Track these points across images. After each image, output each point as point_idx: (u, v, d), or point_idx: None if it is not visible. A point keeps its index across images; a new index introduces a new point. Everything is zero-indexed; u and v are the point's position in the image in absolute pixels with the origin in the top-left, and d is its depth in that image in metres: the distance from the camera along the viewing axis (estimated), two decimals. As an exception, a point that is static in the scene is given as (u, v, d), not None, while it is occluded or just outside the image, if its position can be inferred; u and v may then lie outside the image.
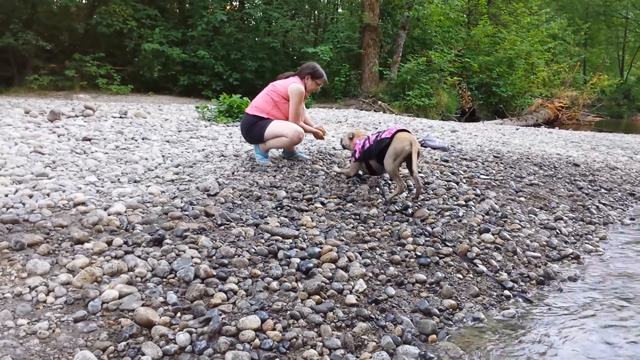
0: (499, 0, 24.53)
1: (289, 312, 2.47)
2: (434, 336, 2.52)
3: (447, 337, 2.55)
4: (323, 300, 2.64)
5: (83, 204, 3.52)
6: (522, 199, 4.92)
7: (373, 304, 2.72)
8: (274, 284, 2.71)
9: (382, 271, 3.07)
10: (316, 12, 25.99)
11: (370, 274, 3.01)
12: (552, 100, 21.19)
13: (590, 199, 5.34)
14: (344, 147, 5.21)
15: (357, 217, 3.90)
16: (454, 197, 4.58)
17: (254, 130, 5.12)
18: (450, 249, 3.43)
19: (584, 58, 32.70)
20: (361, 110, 16.22)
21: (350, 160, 4.92)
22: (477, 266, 3.30)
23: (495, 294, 3.04)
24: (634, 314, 2.84)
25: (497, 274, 3.26)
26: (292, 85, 5.03)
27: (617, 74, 38.43)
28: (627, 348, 2.48)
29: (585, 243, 4.08)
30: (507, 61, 19.74)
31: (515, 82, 19.90)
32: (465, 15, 22.64)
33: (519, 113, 19.92)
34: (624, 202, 5.53)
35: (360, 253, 3.24)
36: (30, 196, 3.57)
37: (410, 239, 3.51)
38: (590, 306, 2.97)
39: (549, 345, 2.51)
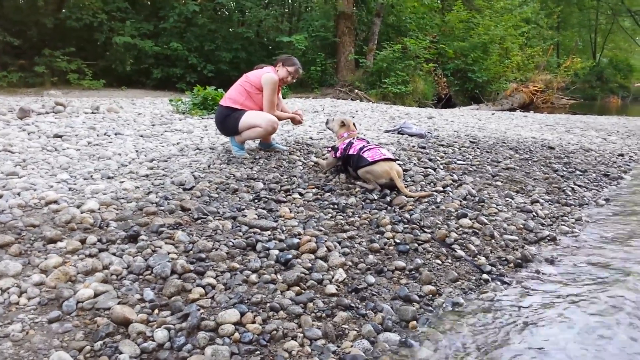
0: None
1: (268, 304, 2.45)
2: (414, 322, 2.52)
3: (427, 322, 2.56)
4: (303, 291, 2.62)
5: (55, 202, 3.44)
6: (499, 183, 4.96)
7: (353, 293, 2.71)
8: (253, 277, 2.69)
9: (362, 260, 3.07)
10: (290, 0, 25.78)
11: (350, 263, 3.00)
12: (527, 84, 21.46)
13: (566, 181, 5.41)
14: (329, 129, 5.11)
15: (336, 206, 3.89)
16: (432, 184, 4.60)
17: (228, 122, 5.07)
18: (429, 235, 3.45)
19: (557, 41, 33.09)
20: (338, 99, 16.20)
21: (329, 153, 4.85)
22: (456, 251, 3.32)
23: (474, 278, 3.06)
24: (609, 295, 2.88)
25: (476, 259, 3.29)
26: (265, 75, 4.98)
27: (590, 56, 39.00)
28: (602, 328, 2.52)
29: (562, 225, 4.14)
30: (481, 46, 19.88)
31: (490, 67, 20.07)
32: (439, 1, 22.70)
33: (495, 98, 20.13)
34: (599, 183, 5.62)
35: (339, 242, 3.23)
36: (0, 196, 3.47)
37: (389, 227, 3.51)
38: (567, 287, 3.01)
39: (527, 327, 2.53)
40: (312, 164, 4.89)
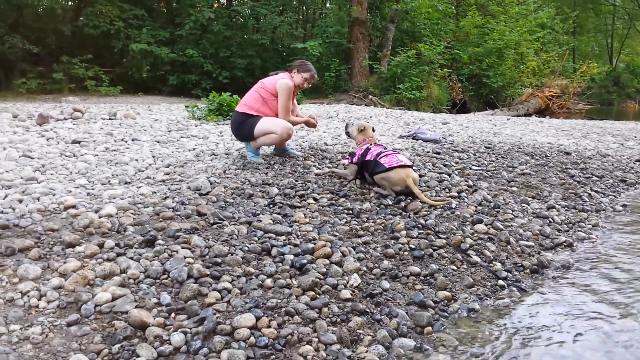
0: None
1: (283, 309, 2.46)
2: (430, 328, 2.51)
3: (442, 328, 2.55)
4: (318, 296, 2.63)
5: (74, 207, 3.50)
6: (515, 188, 4.93)
7: (368, 298, 2.71)
8: (268, 281, 2.70)
9: (377, 265, 3.07)
10: (304, 7, 25.91)
11: (365, 268, 3.00)
12: (543, 89, 21.29)
13: (582, 187, 5.36)
14: (348, 135, 4.99)
15: (350, 211, 3.89)
16: (447, 189, 4.58)
17: (243, 128, 5.11)
18: (444, 241, 3.44)
19: (572, 46, 32.79)
20: (352, 105, 16.22)
21: (346, 160, 4.83)
22: (471, 257, 3.30)
23: (489, 284, 3.05)
24: (627, 301, 2.85)
25: (491, 264, 3.27)
26: (280, 81, 5.02)
27: (607, 61, 38.61)
28: (621, 335, 2.49)
29: (578, 231, 4.10)
30: (496, 52, 19.76)
31: (505, 73, 19.94)
32: (453, 7, 22.63)
33: (510, 103, 19.98)
34: (616, 189, 5.56)
35: (354, 248, 3.24)
36: (20, 201, 3.54)
37: (404, 232, 3.51)
38: (584, 294, 2.98)
39: (543, 334, 2.51)
40: (323, 174, 4.80)
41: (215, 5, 21.25)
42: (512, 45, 20.45)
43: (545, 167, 5.97)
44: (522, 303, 2.87)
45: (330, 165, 5.14)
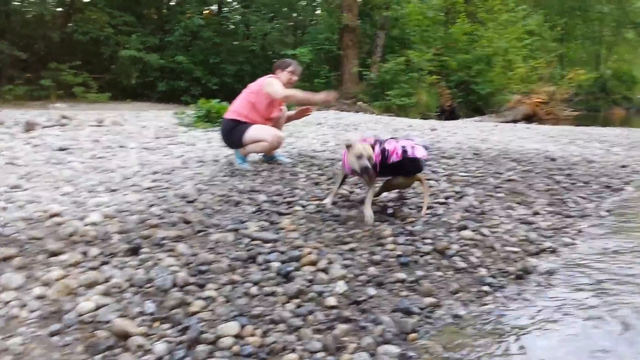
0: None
1: (268, 317, 2.46)
2: (414, 335, 2.52)
3: (427, 335, 2.55)
4: (303, 303, 2.63)
5: (58, 215, 3.47)
6: (501, 194, 4.96)
7: (353, 305, 2.71)
8: (254, 289, 2.70)
9: (363, 272, 3.07)
10: (294, 14, 25.98)
11: (351, 275, 3.00)
12: (530, 96, 21.44)
13: (568, 193, 5.40)
14: (363, 171, 3.72)
15: (337, 218, 3.90)
16: (433, 195, 4.60)
17: (233, 135, 5.11)
18: (430, 247, 3.45)
19: (560, 53, 33.11)
20: (342, 111, 16.25)
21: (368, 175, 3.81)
22: (457, 263, 3.32)
23: (474, 290, 3.06)
24: (610, 307, 2.87)
25: (476, 270, 3.28)
26: (264, 80, 5.08)
27: (594, 68, 39.00)
28: (604, 341, 2.51)
29: (563, 236, 4.12)
30: (485, 58, 19.94)
31: (493, 79, 20.11)
32: (443, 14, 22.82)
33: (498, 110, 20.13)
34: (601, 195, 5.60)
35: (340, 254, 3.24)
36: (4, 209, 3.51)
37: (390, 239, 3.52)
38: (568, 300, 2.99)
39: (527, 339, 2.53)
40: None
41: (206, 13, 21.26)
42: (500, 52, 20.64)
43: (532, 173, 6.01)
44: (506, 308, 2.87)
45: (320, 172, 5.14)
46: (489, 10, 23.72)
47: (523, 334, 2.58)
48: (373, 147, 3.85)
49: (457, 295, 2.98)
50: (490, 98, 20.21)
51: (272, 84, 4.98)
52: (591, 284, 3.21)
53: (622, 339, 2.51)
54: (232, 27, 21.82)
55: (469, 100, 20.12)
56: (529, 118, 19.86)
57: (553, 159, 7.04)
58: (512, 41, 21.42)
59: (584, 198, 5.31)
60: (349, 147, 3.82)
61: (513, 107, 20.46)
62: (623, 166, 7.22)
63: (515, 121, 18.27)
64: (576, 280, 3.29)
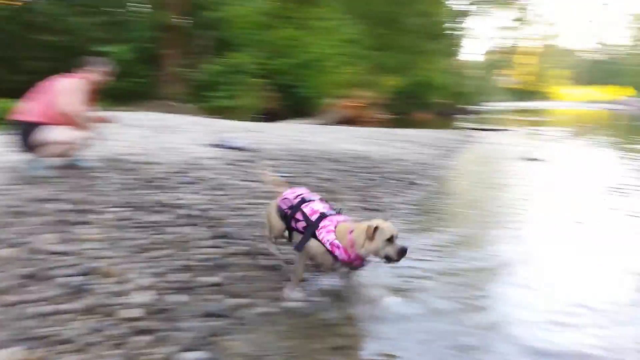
0: (297, 5, 25.60)
1: (57, 337, 2.19)
2: (223, 337, 2.47)
3: (235, 335, 2.52)
4: (104, 319, 2.41)
5: None
6: (323, 194, 5.13)
7: (159, 314, 2.56)
8: (42, 308, 2.39)
9: (171, 279, 2.92)
10: (111, 9, 24.25)
11: (159, 284, 2.83)
12: (350, 100, 22.92)
13: (376, 189, 5.81)
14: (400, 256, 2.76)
15: (147, 224, 3.66)
16: (250, 196, 4.60)
17: (27, 137, 4.54)
18: (241, 248, 3.42)
19: (377, 61, 35.88)
20: (162, 113, 15.54)
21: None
22: (262, 262, 3.33)
23: (280, 286, 3.07)
24: (415, 295, 3.13)
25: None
26: (64, 82, 4.62)
27: (406, 75, 42.95)
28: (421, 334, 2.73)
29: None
30: (308, 63, 20.75)
31: (314, 84, 21.02)
32: (268, 18, 23.20)
33: (320, 112, 21.12)
34: (402, 189, 6.13)
35: (146, 262, 3.04)
36: None
37: (201, 242, 3.42)
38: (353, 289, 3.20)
39: (332, 325, 2.68)
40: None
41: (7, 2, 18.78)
42: (322, 58, 21.66)
43: (348, 173, 6.36)
44: (313, 302, 2.95)
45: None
46: (309, 19, 24.74)
47: (330, 325, 2.69)
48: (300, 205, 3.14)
49: (265, 293, 2.98)
50: (313, 101, 21.09)
51: (67, 93, 4.54)
52: (396, 277, 3.42)
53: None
54: (36, 20, 19.56)
55: (292, 103, 20.75)
56: (349, 121, 21.19)
57: (367, 158, 7.55)
58: (333, 47, 22.58)
59: (388, 193, 5.76)
60: (375, 229, 2.76)
61: (335, 111, 21.66)
62: (422, 163, 8.07)
63: (335, 124, 19.34)
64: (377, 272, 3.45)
